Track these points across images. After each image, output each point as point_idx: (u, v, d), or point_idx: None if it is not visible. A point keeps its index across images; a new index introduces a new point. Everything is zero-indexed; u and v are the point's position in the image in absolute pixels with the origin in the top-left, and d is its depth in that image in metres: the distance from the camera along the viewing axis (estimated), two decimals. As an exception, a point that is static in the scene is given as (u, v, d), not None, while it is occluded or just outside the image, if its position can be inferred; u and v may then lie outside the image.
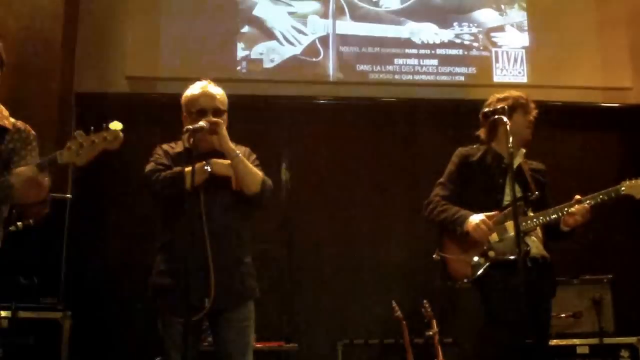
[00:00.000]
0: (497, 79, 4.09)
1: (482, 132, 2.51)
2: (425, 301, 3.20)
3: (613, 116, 4.16)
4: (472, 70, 4.09)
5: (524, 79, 4.12)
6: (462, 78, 4.08)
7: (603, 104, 4.16)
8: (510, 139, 2.07)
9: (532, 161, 2.49)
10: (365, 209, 3.83)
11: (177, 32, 3.93)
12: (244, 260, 2.14)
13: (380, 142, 3.97)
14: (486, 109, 2.39)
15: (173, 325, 2.01)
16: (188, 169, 2.00)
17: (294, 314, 3.71)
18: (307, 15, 4.02)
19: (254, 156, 2.23)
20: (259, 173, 2.14)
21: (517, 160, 2.42)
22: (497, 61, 4.11)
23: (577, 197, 2.31)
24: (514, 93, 2.46)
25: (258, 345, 2.94)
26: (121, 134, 1.71)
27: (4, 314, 2.72)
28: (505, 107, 2.27)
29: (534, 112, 2.44)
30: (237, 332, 2.09)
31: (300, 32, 4.01)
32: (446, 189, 2.45)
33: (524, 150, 2.47)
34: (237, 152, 2.10)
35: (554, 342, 3.20)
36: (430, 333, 3.14)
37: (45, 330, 2.84)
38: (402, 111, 4.05)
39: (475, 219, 2.31)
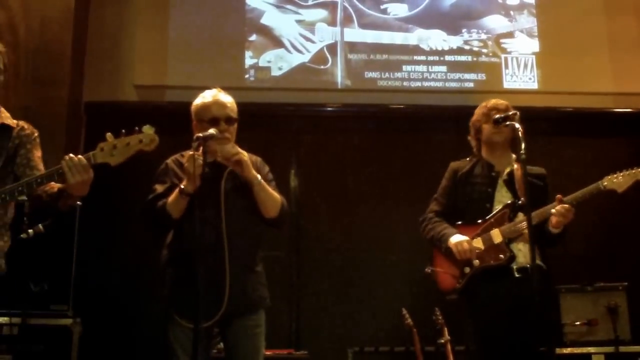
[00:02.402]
0: (507, 85, 4.07)
1: (472, 142, 2.56)
2: (436, 308, 3.16)
3: (625, 122, 4.12)
4: (481, 76, 4.07)
5: (534, 85, 4.09)
6: (471, 85, 4.06)
7: (615, 110, 4.12)
8: (523, 145, 2.05)
9: (532, 167, 2.44)
10: (374, 215, 3.81)
11: (185, 40, 3.95)
12: (255, 269, 2.13)
13: (389, 149, 3.95)
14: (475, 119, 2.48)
15: (183, 331, 2.00)
16: (171, 198, 2.01)
17: (304, 321, 3.69)
18: (315, 23, 4.04)
19: (267, 168, 2.22)
20: (278, 198, 2.13)
21: (508, 167, 2.44)
22: (506, 67, 4.09)
23: (559, 196, 2.29)
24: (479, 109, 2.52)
25: (268, 353, 2.92)
26: (157, 137, 1.76)
27: (14, 320, 2.73)
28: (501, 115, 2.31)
29: (494, 113, 2.40)
30: (247, 339, 2.07)
31: (308, 39, 4.02)
32: (439, 204, 2.54)
33: (514, 156, 2.46)
34: (259, 178, 2.08)
35: (568, 350, 3.14)
36: (442, 341, 3.10)
37: (55, 337, 2.85)
38: (411, 118, 4.03)
39: (457, 237, 2.37)
